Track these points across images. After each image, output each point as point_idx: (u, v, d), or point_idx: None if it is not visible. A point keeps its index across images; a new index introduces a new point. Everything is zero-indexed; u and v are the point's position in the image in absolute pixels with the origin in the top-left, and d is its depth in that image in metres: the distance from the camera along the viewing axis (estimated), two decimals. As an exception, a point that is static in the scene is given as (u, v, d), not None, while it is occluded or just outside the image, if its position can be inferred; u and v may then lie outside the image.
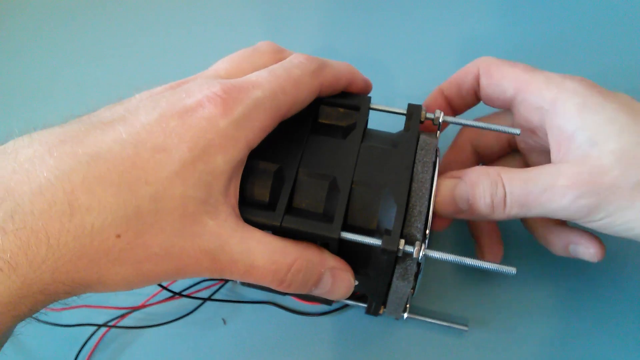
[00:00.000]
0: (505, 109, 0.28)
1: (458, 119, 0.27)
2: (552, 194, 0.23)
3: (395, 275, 0.24)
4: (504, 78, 0.26)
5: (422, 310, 0.32)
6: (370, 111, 0.26)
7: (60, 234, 0.17)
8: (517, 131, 0.25)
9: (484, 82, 0.27)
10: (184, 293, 0.32)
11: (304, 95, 0.24)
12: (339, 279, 0.24)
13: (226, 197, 0.21)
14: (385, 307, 0.29)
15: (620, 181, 0.22)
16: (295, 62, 0.24)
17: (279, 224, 0.22)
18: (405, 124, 0.26)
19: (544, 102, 0.24)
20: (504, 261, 0.30)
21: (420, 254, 0.22)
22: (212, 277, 0.22)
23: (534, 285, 0.32)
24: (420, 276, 0.25)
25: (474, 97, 0.29)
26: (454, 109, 0.30)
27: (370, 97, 0.26)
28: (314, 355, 0.31)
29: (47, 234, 0.17)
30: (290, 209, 0.23)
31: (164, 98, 0.21)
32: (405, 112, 0.26)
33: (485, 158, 0.32)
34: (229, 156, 0.21)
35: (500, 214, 0.24)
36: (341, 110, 0.26)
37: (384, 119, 0.28)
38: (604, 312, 0.31)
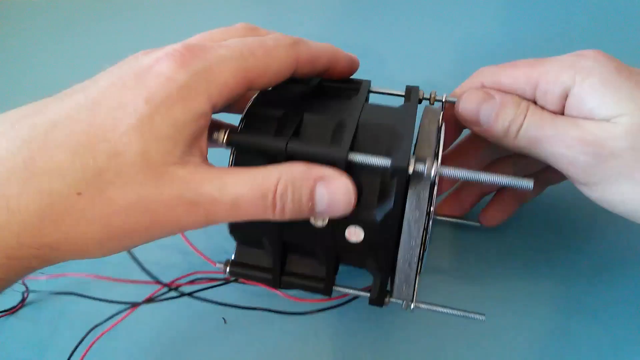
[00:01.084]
0: None
1: (454, 99, 0.29)
2: (559, 140, 0.24)
3: (408, 204, 0.23)
4: (515, 81, 0.27)
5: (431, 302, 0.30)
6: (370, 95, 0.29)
7: (20, 197, 0.18)
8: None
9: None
10: (187, 292, 0.31)
11: (276, 64, 0.23)
12: (334, 186, 0.21)
13: (192, 149, 0.21)
14: (390, 295, 0.27)
15: (625, 150, 0.23)
16: (270, 37, 0.24)
17: (283, 148, 0.22)
18: (404, 102, 0.28)
19: (563, 87, 0.25)
20: (510, 249, 0.29)
21: (433, 171, 0.21)
22: (195, 227, 0.21)
23: (542, 276, 0.31)
24: (429, 237, 0.25)
25: None
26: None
27: (370, 81, 0.29)
28: (316, 352, 0.29)
29: (7, 199, 0.18)
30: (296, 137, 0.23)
31: (125, 64, 0.21)
32: (403, 93, 0.29)
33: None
34: (189, 107, 0.20)
35: (510, 141, 0.26)
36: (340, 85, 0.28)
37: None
38: (603, 301, 0.30)
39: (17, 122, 0.19)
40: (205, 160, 0.21)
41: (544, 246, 0.32)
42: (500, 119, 0.26)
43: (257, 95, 0.26)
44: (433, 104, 0.29)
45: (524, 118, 0.25)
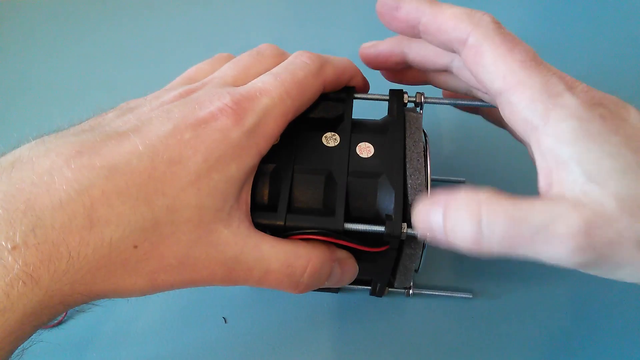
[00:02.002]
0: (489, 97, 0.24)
1: (440, 100, 0.27)
2: (546, 239, 0.18)
3: (402, 258, 0.25)
4: (493, 64, 0.21)
5: (426, 285, 0.33)
6: (355, 101, 0.27)
7: (80, 246, 0.18)
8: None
9: (469, 59, 0.22)
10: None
11: (308, 96, 0.25)
12: (346, 268, 0.25)
13: (239, 203, 0.22)
14: (390, 287, 0.30)
15: (625, 236, 0.18)
16: (298, 63, 0.25)
17: (282, 224, 0.23)
18: (388, 109, 0.27)
19: (533, 115, 0.20)
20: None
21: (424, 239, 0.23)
22: (224, 285, 0.22)
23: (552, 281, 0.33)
24: (424, 253, 0.26)
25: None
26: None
27: (354, 87, 0.27)
28: (318, 349, 0.31)
29: (68, 247, 0.18)
30: (290, 208, 0.24)
31: (176, 108, 0.22)
32: (387, 97, 0.27)
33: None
34: (243, 164, 0.21)
35: (479, 252, 0.20)
36: (327, 102, 0.27)
37: (367, 107, 0.28)
38: (607, 285, 0.32)
39: (72, 159, 0.19)
40: (247, 213, 0.22)
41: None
42: (454, 233, 0.20)
43: None
44: (420, 107, 0.27)
45: (483, 223, 0.19)
